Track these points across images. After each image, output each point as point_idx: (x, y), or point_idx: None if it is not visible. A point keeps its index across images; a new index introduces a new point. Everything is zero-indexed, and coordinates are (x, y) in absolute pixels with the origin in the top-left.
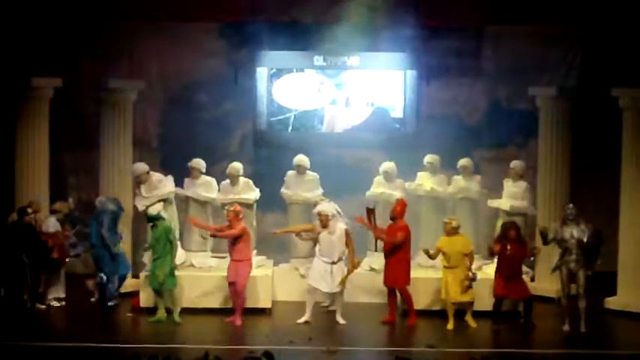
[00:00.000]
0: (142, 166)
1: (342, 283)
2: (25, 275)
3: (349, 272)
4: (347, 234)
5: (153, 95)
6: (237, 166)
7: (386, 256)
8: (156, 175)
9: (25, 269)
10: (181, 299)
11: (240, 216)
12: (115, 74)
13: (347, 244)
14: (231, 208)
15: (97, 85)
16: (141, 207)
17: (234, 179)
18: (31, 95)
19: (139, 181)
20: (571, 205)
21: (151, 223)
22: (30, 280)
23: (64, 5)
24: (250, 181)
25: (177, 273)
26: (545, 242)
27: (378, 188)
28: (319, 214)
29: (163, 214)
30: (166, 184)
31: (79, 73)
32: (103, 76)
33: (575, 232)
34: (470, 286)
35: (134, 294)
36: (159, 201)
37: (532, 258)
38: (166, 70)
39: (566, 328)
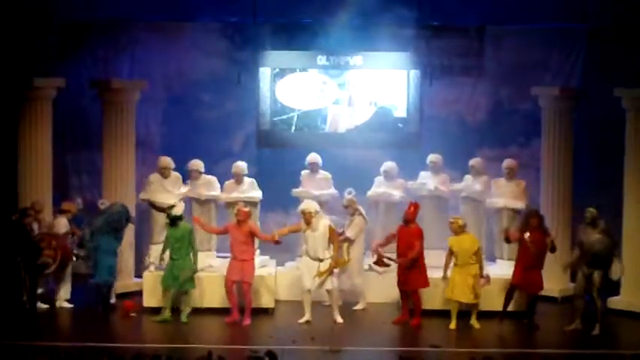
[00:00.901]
0: (170, 160)
1: (320, 275)
2: (23, 276)
3: (331, 268)
4: (331, 230)
5: (155, 95)
6: (242, 165)
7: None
8: (175, 173)
9: (22, 270)
10: (194, 301)
11: (250, 216)
12: (118, 74)
13: (331, 241)
14: (246, 209)
15: (99, 86)
16: (171, 203)
17: (239, 178)
18: (34, 95)
19: (163, 175)
20: (591, 209)
21: (172, 223)
22: (28, 281)
23: (67, 5)
24: (254, 181)
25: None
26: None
27: (379, 188)
28: (302, 212)
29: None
30: (182, 185)
31: (81, 74)
32: (105, 76)
33: (590, 236)
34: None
35: (133, 294)
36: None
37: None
38: (169, 70)
39: (572, 327)
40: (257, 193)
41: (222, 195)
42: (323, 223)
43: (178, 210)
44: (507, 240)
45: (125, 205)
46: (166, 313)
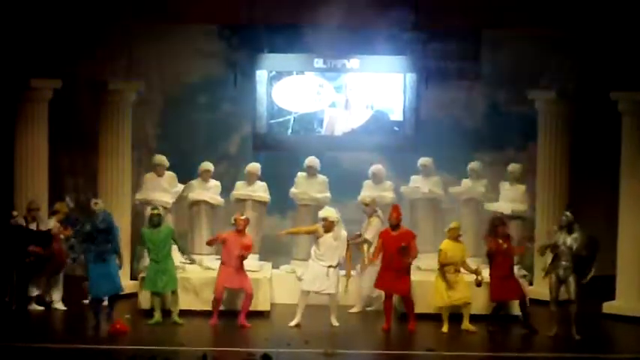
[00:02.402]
0: (164, 158)
1: (346, 290)
2: (11, 277)
3: (348, 278)
4: (348, 242)
5: (152, 97)
6: (257, 165)
7: (387, 263)
8: (169, 172)
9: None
10: (191, 303)
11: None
12: (114, 76)
13: (346, 252)
14: (242, 217)
15: (96, 87)
16: (169, 201)
17: (252, 178)
18: (31, 96)
19: (157, 173)
20: (567, 213)
21: (156, 224)
22: (15, 282)
23: (65, 6)
24: (266, 185)
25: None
26: (542, 252)
27: (370, 191)
28: (325, 219)
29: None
30: (178, 183)
31: (78, 75)
32: (102, 78)
33: (567, 240)
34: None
35: (128, 297)
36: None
37: (528, 245)
38: (166, 71)
39: (552, 332)
40: (267, 195)
41: (234, 192)
42: (343, 233)
43: (160, 211)
44: (489, 255)
45: (108, 212)
46: (157, 316)
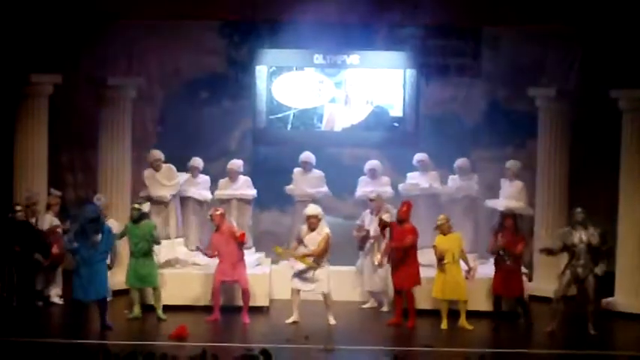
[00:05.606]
0: (159, 152)
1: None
2: (10, 272)
3: (306, 258)
4: (328, 238)
5: (152, 93)
6: (238, 162)
7: (394, 259)
8: (166, 164)
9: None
10: (197, 300)
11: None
12: (115, 72)
13: (320, 244)
14: (218, 212)
15: (96, 83)
16: (168, 196)
17: (234, 175)
18: (31, 92)
19: (155, 168)
20: (579, 209)
21: (137, 220)
22: (16, 277)
23: (65, 2)
24: (249, 180)
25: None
26: (553, 252)
27: (367, 187)
28: (311, 216)
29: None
30: (177, 174)
31: (78, 70)
32: (102, 74)
33: (583, 236)
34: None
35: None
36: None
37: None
38: (166, 67)
39: (550, 329)
40: (251, 191)
41: (217, 192)
42: (325, 230)
43: (146, 207)
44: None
45: (93, 208)
46: (137, 310)
